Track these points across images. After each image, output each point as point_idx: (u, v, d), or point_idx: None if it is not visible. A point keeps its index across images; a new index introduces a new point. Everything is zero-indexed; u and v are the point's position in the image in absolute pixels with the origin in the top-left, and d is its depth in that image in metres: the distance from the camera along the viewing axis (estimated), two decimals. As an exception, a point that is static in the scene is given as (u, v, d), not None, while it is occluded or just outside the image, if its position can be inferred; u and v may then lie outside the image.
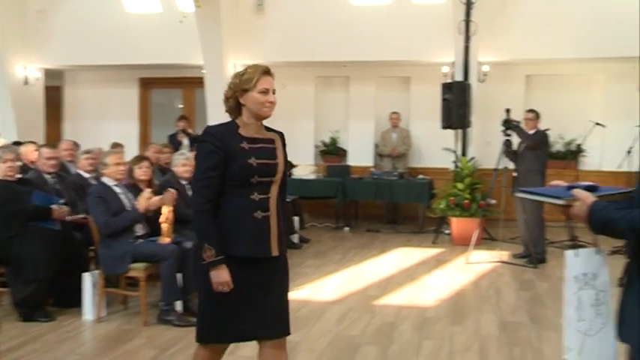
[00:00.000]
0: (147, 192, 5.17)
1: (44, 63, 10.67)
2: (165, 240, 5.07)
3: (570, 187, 2.16)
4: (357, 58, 9.80)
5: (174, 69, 10.72)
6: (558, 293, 6.07)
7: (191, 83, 11.03)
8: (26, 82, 10.53)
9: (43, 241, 5.12)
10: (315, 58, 9.85)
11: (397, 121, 10.24)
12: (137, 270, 5.00)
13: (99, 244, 5.08)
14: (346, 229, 9.69)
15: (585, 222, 2.03)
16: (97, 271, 5.19)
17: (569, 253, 2.18)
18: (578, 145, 9.88)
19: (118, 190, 5.18)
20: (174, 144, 9.86)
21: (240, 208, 2.73)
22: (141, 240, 5.11)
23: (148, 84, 11.65)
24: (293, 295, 5.86)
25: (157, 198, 5.20)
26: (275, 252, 2.83)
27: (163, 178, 6.28)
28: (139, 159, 5.68)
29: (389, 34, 9.50)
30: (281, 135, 2.95)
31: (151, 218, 5.19)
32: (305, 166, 10.13)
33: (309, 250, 8.18)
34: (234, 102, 2.80)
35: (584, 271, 2.17)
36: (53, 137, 10.90)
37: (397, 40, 9.47)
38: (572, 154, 10.13)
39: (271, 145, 2.85)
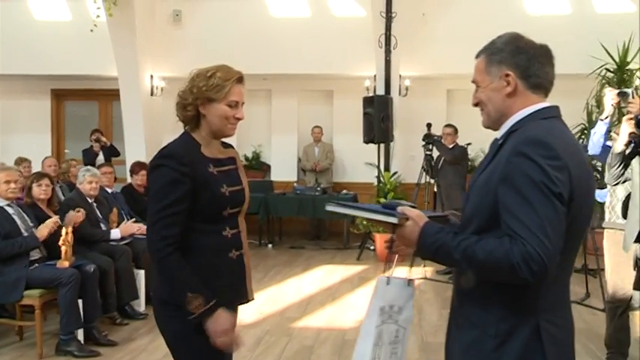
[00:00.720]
0: (50, 221, 4.74)
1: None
2: (64, 264, 4.66)
3: (388, 206, 1.85)
4: (278, 70, 9.58)
5: (88, 80, 10.18)
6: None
7: (107, 95, 10.52)
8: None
9: None
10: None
11: (319, 135, 10.07)
12: (32, 297, 4.57)
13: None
14: (269, 246, 9.42)
15: (413, 245, 1.75)
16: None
17: (382, 280, 1.90)
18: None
19: (10, 210, 4.73)
20: (89, 157, 9.35)
21: (213, 249, 2.24)
22: (37, 264, 4.68)
23: (62, 95, 11.02)
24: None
25: (54, 221, 4.77)
26: (252, 295, 2.39)
27: (68, 195, 5.85)
28: (39, 176, 5.24)
29: (310, 46, 9.35)
30: (235, 150, 2.46)
31: (49, 240, 4.77)
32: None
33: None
34: (194, 110, 2.25)
35: (391, 303, 1.88)
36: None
37: (318, 53, 9.33)
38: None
39: (234, 165, 2.38)
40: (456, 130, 7.39)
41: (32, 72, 9.85)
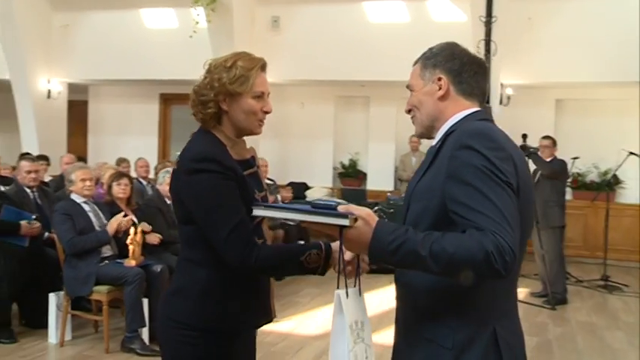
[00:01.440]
0: (120, 215, 4.87)
1: (67, 77, 10.63)
2: (131, 263, 4.75)
3: (319, 206, 1.62)
4: (377, 77, 9.36)
5: (192, 85, 10.51)
6: (570, 341, 5.49)
7: (211, 100, 10.82)
8: (49, 96, 10.51)
9: (8, 258, 4.88)
10: (333, 77, 9.48)
11: (417, 145, 9.75)
12: (100, 293, 4.68)
13: (64, 264, 4.79)
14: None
15: (364, 248, 1.55)
16: (61, 292, 4.90)
17: (341, 294, 1.65)
18: (615, 176, 9.10)
19: (86, 207, 4.90)
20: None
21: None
22: (107, 261, 4.81)
23: (169, 100, 11.50)
24: (275, 326, 5.54)
25: (127, 219, 4.89)
26: (275, 314, 2.25)
27: (148, 196, 6.00)
28: (119, 175, 5.41)
29: (409, 53, 8.78)
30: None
31: (122, 239, 4.89)
32: (320, 188, 9.74)
33: (311, 277, 7.71)
34: (215, 107, 1.97)
35: (355, 319, 1.66)
36: (78, 151, 10.84)
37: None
38: (609, 186, 9.36)
39: (255, 165, 2.10)
40: (554, 142, 6.83)
41: (143, 77, 10.31)
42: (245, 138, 2.08)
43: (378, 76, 9.36)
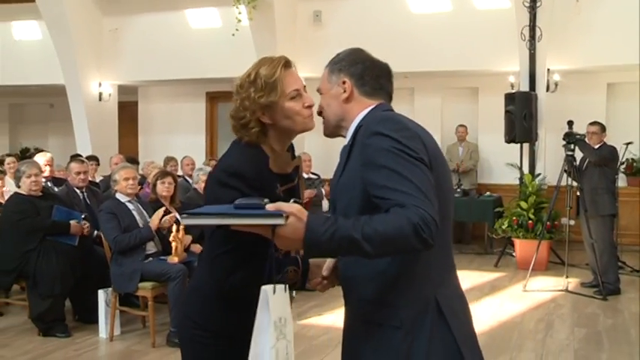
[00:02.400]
0: (161, 210, 5.00)
1: (117, 79, 10.94)
2: (174, 259, 4.86)
3: (243, 206, 1.60)
4: (420, 68, 9.24)
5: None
6: (622, 333, 5.33)
7: (256, 97, 10.93)
8: (100, 99, 10.84)
9: (59, 256, 5.07)
10: (377, 69, 9.43)
11: (464, 135, 9.62)
12: (145, 289, 4.82)
13: (111, 261, 4.95)
14: (406, 247, 9.14)
15: (299, 244, 1.57)
16: (109, 289, 5.06)
17: (268, 290, 1.64)
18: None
19: (130, 206, 5.04)
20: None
21: (259, 274, 1.86)
22: (151, 258, 4.94)
23: (215, 98, 11.68)
24: (317, 320, 5.58)
25: (170, 216, 5.01)
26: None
27: (188, 194, 6.12)
28: (163, 174, 5.54)
29: (452, 42, 8.93)
30: (294, 151, 2.13)
31: (165, 237, 5.01)
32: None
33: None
34: (258, 125, 1.93)
35: (280, 315, 1.65)
36: (129, 151, 11.16)
37: (460, 49, 8.88)
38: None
39: (296, 177, 2.11)
40: (603, 128, 6.61)
41: (189, 76, 10.50)
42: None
43: (422, 67, 9.25)
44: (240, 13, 8.58)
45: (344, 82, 1.86)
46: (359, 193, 1.70)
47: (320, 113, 1.94)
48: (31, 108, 14.52)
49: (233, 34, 8.59)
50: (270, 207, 1.58)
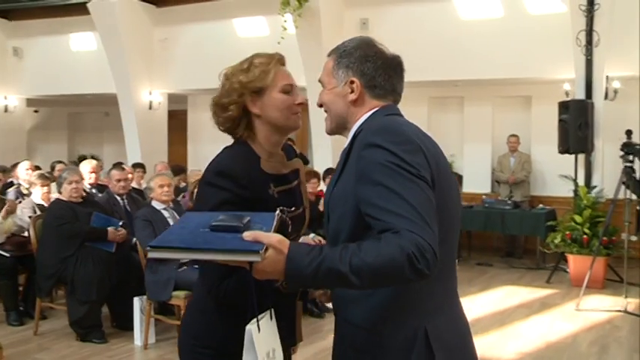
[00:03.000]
0: None
1: (167, 88, 11.07)
2: (208, 268, 4.77)
3: (219, 229, 1.44)
4: (470, 76, 9.01)
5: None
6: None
7: (304, 106, 10.85)
8: (150, 107, 10.99)
9: (96, 262, 5.08)
10: (425, 77, 9.18)
11: (516, 145, 9.27)
12: (178, 298, 4.76)
13: (145, 269, 4.92)
14: (455, 261, 8.83)
15: (280, 277, 1.42)
16: (145, 297, 5.03)
17: (252, 330, 1.51)
18: None
19: (166, 213, 5.01)
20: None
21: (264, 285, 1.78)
22: (185, 267, 4.87)
23: (262, 107, 11.66)
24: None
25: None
26: (301, 337, 2.05)
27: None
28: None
29: (503, 49, 8.62)
30: (301, 156, 2.10)
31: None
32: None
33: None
34: (238, 112, 1.86)
35: (268, 349, 1.55)
36: (178, 159, 11.29)
37: (513, 56, 8.56)
38: None
39: (296, 180, 2.00)
40: (663, 138, 6.22)
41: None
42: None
43: (472, 75, 9.01)
44: (285, 21, 8.52)
45: (352, 82, 1.66)
46: (350, 209, 1.54)
47: (321, 106, 1.76)
48: (88, 116, 14.92)
49: (279, 43, 8.51)
50: (247, 236, 1.40)
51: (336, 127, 1.74)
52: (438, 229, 1.45)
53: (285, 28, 8.51)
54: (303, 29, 8.75)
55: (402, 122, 1.63)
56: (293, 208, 1.91)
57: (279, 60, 1.92)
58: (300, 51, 8.95)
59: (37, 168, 8.27)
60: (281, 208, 1.74)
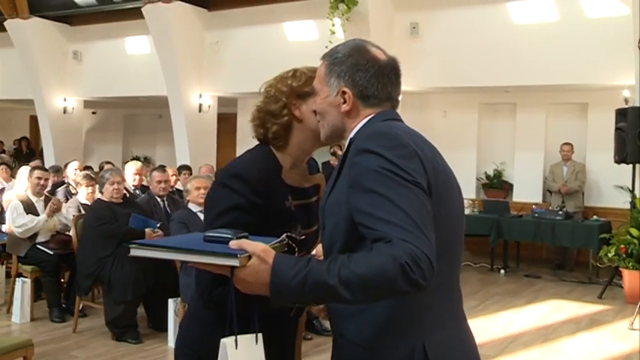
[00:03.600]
0: None
1: (217, 91, 11.18)
2: (241, 272, 4.75)
3: (212, 239, 1.43)
4: (523, 82, 8.73)
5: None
6: None
7: (352, 110, 10.80)
8: (200, 110, 11.12)
9: (132, 263, 5.11)
10: (476, 83, 8.99)
11: (569, 154, 8.92)
12: (210, 301, 4.74)
13: (180, 271, 4.93)
14: (502, 272, 8.59)
15: (264, 289, 1.35)
16: (179, 299, 5.04)
17: (228, 343, 1.46)
18: None
19: (202, 216, 4.97)
20: (328, 171, 9.64)
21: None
22: (219, 270, 4.86)
23: (312, 111, 11.63)
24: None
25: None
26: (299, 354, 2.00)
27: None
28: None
29: (558, 54, 8.30)
30: (318, 169, 2.04)
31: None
32: (461, 199, 9.27)
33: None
34: (289, 115, 1.81)
35: None
36: (226, 162, 11.34)
37: (568, 61, 8.24)
38: None
39: (315, 196, 1.94)
40: None
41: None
42: None
43: (525, 81, 8.73)
44: (333, 25, 8.46)
45: (344, 93, 1.57)
46: (344, 219, 1.46)
47: (315, 113, 1.68)
48: (142, 118, 15.25)
49: (326, 47, 8.42)
50: (232, 244, 1.38)
51: (332, 136, 1.67)
52: (437, 240, 1.37)
53: (333, 32, 8.44)
54: (352, 33, 8.64)
55: (397, 127, 1.54)
56: (306, 227, 1.84)
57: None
58: (347, 56, 8.86)
59: (88, 168, 8.48)
60: (288, 234, 1.66)
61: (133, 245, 1.44)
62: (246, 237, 1.44)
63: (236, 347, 1.47)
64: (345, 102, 1.58)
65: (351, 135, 1.60)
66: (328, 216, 1.56)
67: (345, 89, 1.57)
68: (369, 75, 1.57)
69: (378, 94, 1.58)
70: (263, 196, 1.71)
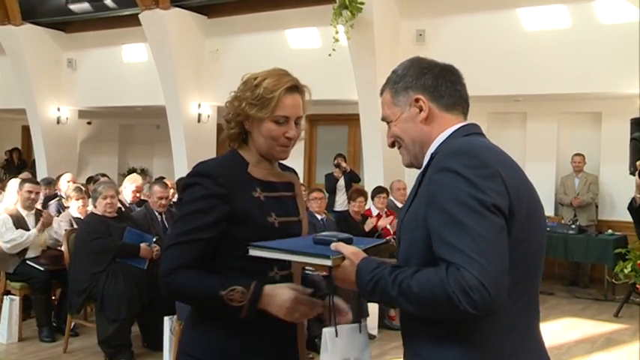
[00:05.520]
0: None
1: (217, 100, 11.14)
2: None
3: (320, 241, 1.70)
4: (533, 91, 8.68)
5: (338, 105, 10.53)
6: None
7: (356, 120, 10.74)
8: (199, 120, 11.10)
9: (127, 279, 5.08)
10: (485, 92, 8.89)
11: (580, 165, 8.87)
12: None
13: (176, 288, 4.86)
14: (513, 288, 8.49)
15: (353, 286, 1.56)
16: (175, 317, 4.97)
17: (329, 332, 1.71)
18: None
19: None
20: (331, 183, 9.62)
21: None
22: (216, 287, 4.80)
23: (315, 121, 11.63)
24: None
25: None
26: (303, 358, 2.01)
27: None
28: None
29: (571, 62, 8.25)
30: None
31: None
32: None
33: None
34: (238, 127, 1.94)
35: (345, 356, 1.70)
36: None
37: (581, 69, 8.19)
38: None
39: (291, 192, 2.02)
40: None
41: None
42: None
43: (536, 90, 8.69)
44: (337, 32, 8.43)
45: (417, 100, 1.62)
46: (421, 235, 1.51)
47: (392, 145, 1.72)
48: (139, 129, 15.25)
49: (330, 54, 8.46)
50: (333, 246, 1.61)
51: (415, 159, 1.68)
52: (515, 265, 1.44)
53: (336, 40, 8.42)
54: (356, 41, 8.64)
55: (481, 144, 1.55)
56: (282, 215, 1.95)
57: (290, 88, 1.92)
58: (352, 63, 8.86)
59: (89, 180, 8.42)
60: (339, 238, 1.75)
61: (252, 246, 1.72)
62: (349, 239, 1.69)
63: (336, 335, 1.70)
64: (421, 110, 1.62)
65: (432, 150, 1.61)
66: (405, 232, 1.60)
67: (418, 96, 1.62)
68: (435, 74, 1.63)
69: (449, 92, 1.63)
70: (225, 186, 1.81)
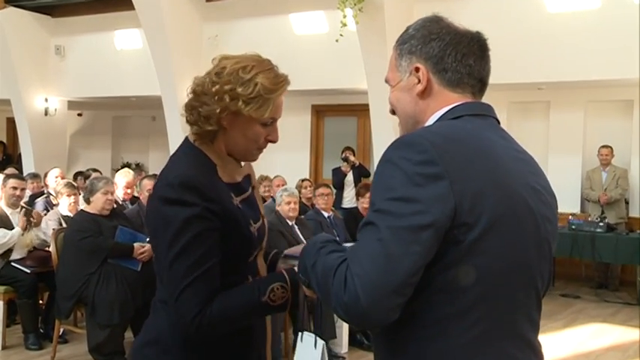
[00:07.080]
0: None
1: (216, 90, 11.10)
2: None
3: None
4: (558, 78, 8.61)
5: (347, 95, 10.48)
6: None
7: (366, 111, 10.68)
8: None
9: (119, 282, 5.04)
10: (505, 79, 8.81)
11: (608, 158, 8.78)
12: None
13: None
14: (535, 291, 8.43)
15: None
16: (171, 322, 4.94)
17: (299, 336, 1.79)
18: None
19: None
20: (338, 177, 9.58)
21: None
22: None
23: (321, 111, 11.58)
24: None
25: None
26: None
27: (269, 219, 5.94)
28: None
29: (599, 46, 8.15)
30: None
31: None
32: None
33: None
34: (217, 125, 1.76)
35: None
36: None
37: (610, 54, 8.08)
38: None
39: (250, 187, 1.93)
40: None
41: (294, 87, 10.32)
42: None
43: (561, 77, 8.62)
44: (345, 16, 8.36)
45: (417, 69, 1.47)
46: None
47: (393, 112, 1.58)
48: (133, 121, 15.23)
49: (337, 40, 8.40)
50: (286, 251, 1.78)
51: (408, 132, 1.52)
52: (465, 284, 1.33)
53: (344, 24, 8.35)
54: (365, 25, 8.57)
55: (451, 132, 1.40)
56: (255, 222, 1.87)
57: (285, 89, 1.83)
58: (361, 50, 8.81)
59: (79, 174, 8.40)
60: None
61: (283, 256, 1.87)
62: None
63: (301, 340, 1.78)
64: (419, 81, 1.48)
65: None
66: None
67: (418, 64, 1.47)
68: (445, 43, 1.46)
69: (456, 65, 1.46)
70: (215, 200, 1.69)
